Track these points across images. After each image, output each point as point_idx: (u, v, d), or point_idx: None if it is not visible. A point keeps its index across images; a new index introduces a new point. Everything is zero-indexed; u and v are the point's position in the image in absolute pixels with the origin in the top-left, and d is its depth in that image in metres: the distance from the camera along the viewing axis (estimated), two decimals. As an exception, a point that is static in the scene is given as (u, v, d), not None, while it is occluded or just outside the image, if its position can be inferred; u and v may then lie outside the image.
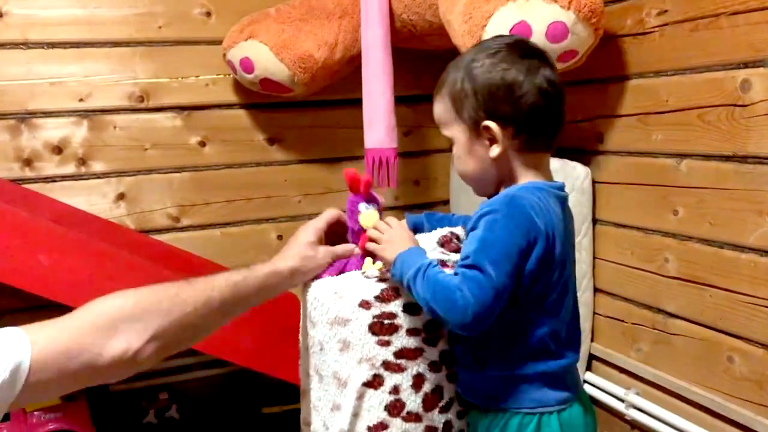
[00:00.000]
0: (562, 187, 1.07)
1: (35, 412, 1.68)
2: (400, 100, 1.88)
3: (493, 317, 0.95)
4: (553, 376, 1.03)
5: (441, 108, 1.05)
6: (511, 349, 1.01)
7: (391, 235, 1.06)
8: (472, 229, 0.99)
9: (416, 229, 1.18)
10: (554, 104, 1.00)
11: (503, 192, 1.01)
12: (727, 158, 1.42)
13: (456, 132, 1.03)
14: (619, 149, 1.72)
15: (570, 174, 1.75)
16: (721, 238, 1.45)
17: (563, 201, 1.06)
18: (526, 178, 1.02)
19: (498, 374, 1.03)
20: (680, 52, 1.51)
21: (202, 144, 2.02)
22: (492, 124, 0.98)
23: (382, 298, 1.04)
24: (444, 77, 1.05)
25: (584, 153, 1.82)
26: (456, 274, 0.96)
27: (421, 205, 2.27)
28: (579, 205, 1.75)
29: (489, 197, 1.05)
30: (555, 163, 1.76)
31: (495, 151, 1.00)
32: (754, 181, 1.36)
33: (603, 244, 1.80)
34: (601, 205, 1.79)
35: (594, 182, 1.79)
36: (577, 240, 1.76)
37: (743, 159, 1.38)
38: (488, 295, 0.93)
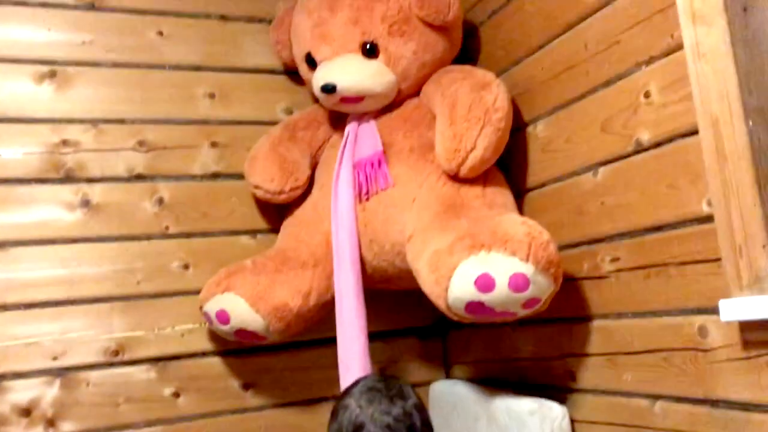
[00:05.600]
0: None
1: None
2: (374, 336, 1.91)
3: None
4: None
5: None
6: None
7: None
8: None
9: None
10: None
11: None
12: (698, 401, 1.42)
13: None
14: (593, 388, 1.72)
15: (547, 415, 1.73)
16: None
17: None
18: None
19: None
20: (637, 297, 1.56)
21: (176, 395, 1.99)
22: None
23: None
24: None
25: (559, 391, 1.82)
26: None
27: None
28: (560, 447, 1.72)
29: None
30: (532, 404, 1.77)
31: None
32: (728, 427, 1.35)
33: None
34: (583, 446, 1.76)
35: (573, 421, 1.77)
36: (562, 485, 1.70)
37: (715, 403, 1.38)
38: None
